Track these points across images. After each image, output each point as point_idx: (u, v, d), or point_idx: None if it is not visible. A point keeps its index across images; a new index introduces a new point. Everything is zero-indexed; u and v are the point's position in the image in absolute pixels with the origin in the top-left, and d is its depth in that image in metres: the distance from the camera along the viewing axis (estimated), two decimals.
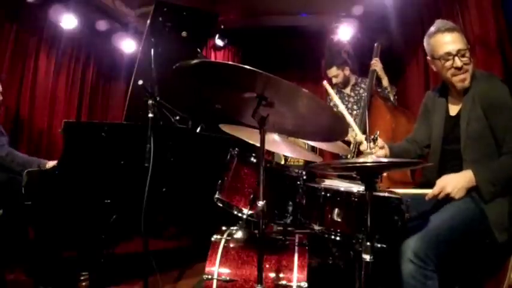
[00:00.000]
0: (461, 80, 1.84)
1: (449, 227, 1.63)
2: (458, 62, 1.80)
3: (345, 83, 3.49)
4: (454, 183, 1.68)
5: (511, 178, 1.68)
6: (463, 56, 1.80)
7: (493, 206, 1.68)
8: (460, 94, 1.89)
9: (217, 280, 1.77)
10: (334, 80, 3.49)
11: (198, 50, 3.47)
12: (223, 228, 2.07)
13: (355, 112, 3.42)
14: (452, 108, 1.96)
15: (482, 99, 1.79)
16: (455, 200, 1.69)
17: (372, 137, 1.49)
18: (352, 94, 3.48)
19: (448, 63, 1.82)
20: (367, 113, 2.92)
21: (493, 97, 1.78)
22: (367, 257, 1.33)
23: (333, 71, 3.44)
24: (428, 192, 1.72)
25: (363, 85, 3.39)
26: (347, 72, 3.45)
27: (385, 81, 3.35)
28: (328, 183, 2.05)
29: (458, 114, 1.90)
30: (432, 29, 1.89)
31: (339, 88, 3.54)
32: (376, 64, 3.33)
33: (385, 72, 3.33)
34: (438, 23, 1.88)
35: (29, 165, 2.73)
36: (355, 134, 1.92)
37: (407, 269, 1.52)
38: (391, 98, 3.32)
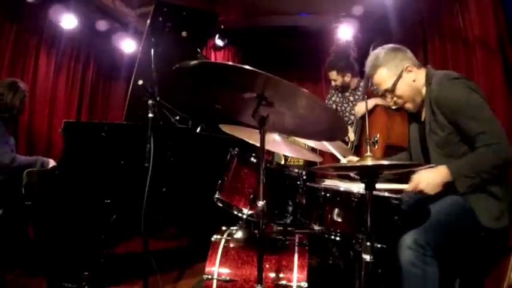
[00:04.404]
0: (407, 109, 1.92)
1: (447, 213, 1.64)
2: (389, 101, 1.92)
3: (344, 87, 3.46)
4: (428, 179, 1.64)
5: (491, 167, 1.61)
6: (391, 92, 1.86)
7: (477, 203, 1.66)
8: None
9: (217, 280, 1.77)
10: (333, 82, 3.48)
11: (198, 50, 3.47)
12: (223, 228, 2.07)
13: (353, 117, 3.41)
14: (423, 114, 1.93)
15: (438, 105, 1.75)
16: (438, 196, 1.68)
17: (372, 140, 1.49)
18: (351, 98, 3.47)
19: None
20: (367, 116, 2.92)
21: (447, 99, 1.72)
22: (367, 257, 1.32)
23: (333, 75, 3.41)
24: (404, 187, 1.71)
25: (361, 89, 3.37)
26: (347, 78, 3.39)
27: None
28: (328, 183, 2.06)
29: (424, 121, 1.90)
30: None
31: (339, 91, 3.54)
32: None
33: None
34: (366, 63, 1.94)
35: (34, 166, 2.75)
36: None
37: (406, 257, 1.52)
38: None
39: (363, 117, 3.01)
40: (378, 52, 1.89)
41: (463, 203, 1.67)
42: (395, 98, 1.88)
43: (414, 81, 1.84)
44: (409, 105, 1.89)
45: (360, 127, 3.09)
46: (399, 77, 1.83)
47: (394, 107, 2.84)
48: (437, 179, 1.64)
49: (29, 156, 2.95)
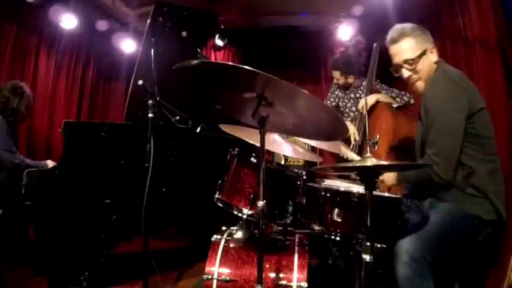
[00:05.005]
0: (416, 88, 1.92)
1: (440, 226, 1.66)
2: (404, 73, 1.88)
3: (346, 87, 3.47)
4: (388, 177, 1.92)
5: (425, 183, 1.76)
6: (411, 64, 1.85)
7: (474, 206, 1.69)
8: None
9: (217, 280, 1.77)
10: (334, 80, 3.49)
11: (198, 50, 3.47)
12: (223, 228, 2.07)
13: (352, 114, 3.41)
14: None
15: (424, 101, 1.83)
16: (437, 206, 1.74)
17: (372, 140, 1.49)
18: (353, 95, 3.47)
19: (400, 73, 1.91)
20: (367, 116, 2.91)
21: (428, 99, 1.80)
22: (367, 257, 1.33)
23: (336, 74, 3.41)
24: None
25: (363, 88, 3.37)
26: (350, 80, 3.39)
27: None
28: (328, 183, 2.06)
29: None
30: None
31: (340, 88, 3.54)
32: None
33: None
34: (389, 32, 1.92)
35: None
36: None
37: (403, 272, 1.53)
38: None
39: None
40: (406, 25, 1.89)
41: (455, 210, 1.70)
42: (410, 72, 1.87)
43: (435, 63, 1.87)
44: (420, 84, 1.89)
45: (363, 127, 3.08)
46: (424, 52, 1.84)
47: (395, 105, 2.82)
48: (391, 178, 1.92)
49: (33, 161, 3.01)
